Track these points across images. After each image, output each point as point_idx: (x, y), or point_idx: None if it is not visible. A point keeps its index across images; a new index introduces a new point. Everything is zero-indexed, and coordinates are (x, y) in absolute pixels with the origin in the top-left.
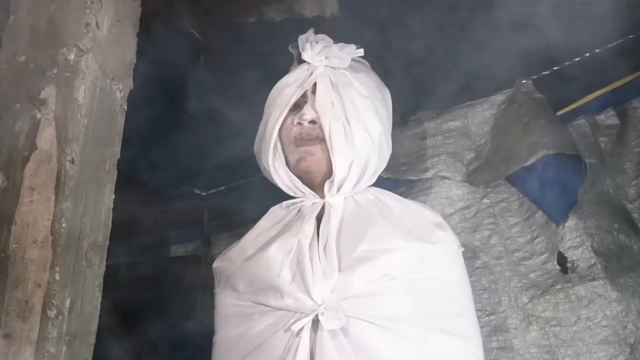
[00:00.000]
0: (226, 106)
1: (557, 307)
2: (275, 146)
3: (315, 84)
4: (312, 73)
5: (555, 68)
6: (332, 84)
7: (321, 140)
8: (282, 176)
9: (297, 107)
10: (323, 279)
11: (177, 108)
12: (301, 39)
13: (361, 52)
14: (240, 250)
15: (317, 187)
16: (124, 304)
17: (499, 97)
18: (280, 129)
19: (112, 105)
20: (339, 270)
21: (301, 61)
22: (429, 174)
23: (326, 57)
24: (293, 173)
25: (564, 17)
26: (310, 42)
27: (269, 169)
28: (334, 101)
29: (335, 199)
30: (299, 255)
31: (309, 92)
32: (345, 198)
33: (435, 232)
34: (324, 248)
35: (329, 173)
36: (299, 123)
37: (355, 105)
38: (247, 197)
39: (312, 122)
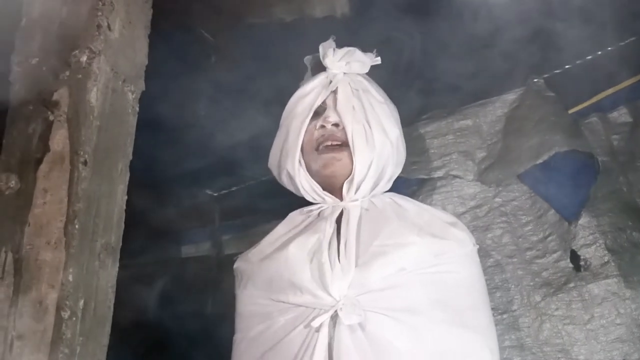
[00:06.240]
0: (237, 107)
1: (570, 306)
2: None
3: (334, 91)
4: (331, 80)
5: (567, 66)
6: (352, 89)
7: (346, 145)
8: (302, 183)
9: (316, 114)
10: (341, 275)
11: (189, 109)
12: (323, 46)
13: (379, 60)
14: (259, 252)
15: (336, 191)
16: (135, 305)
17: (510, 96)
18: None
19: (124, 107)
20: (356, 266)
21: (316, 72)
22: (440, 173)
23: (347, 63)
24: (314, 179)
25: (575, 16)
26: (333, 49)
27: (294, 176)
28: (355, 105)
29: (353, 202)
30: (318, 253)
31: (327, 99)
32: (362, 200)
33: (449, 229)
34: (344, 246)
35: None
36: (323, 126)
37: (375, 110)
38: (259, 198)
39: (335, 125)
